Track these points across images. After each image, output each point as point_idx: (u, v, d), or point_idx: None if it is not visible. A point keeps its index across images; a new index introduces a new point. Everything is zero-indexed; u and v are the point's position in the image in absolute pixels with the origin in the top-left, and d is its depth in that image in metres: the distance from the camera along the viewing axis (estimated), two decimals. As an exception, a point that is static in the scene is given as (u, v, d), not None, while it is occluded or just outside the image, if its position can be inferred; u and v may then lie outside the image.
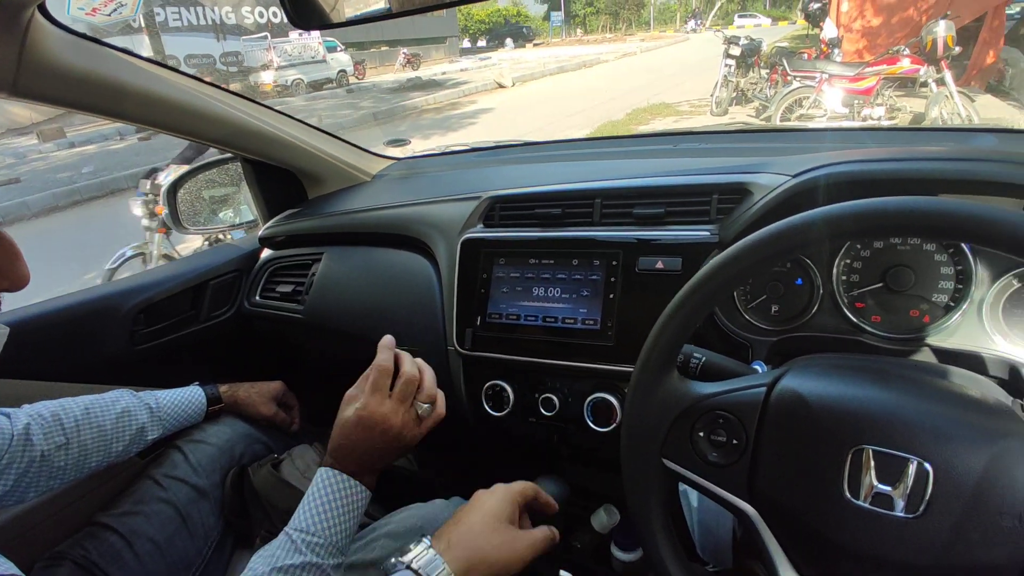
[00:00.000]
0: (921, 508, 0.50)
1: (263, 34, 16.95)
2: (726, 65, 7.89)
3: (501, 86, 14.54)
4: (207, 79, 1.22)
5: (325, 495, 0.72)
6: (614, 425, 0.94)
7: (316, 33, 17.35)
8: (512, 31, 35.99)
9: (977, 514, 0.49)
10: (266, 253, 1.49)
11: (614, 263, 0.96)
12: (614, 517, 1.15)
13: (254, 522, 1.05)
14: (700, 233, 0.92)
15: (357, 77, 18.86)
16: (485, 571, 0.68)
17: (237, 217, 1.70)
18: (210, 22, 17.72)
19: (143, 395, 1.03)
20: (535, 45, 33.76)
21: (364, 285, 1.27)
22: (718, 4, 39.18)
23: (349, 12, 0.82)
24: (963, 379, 0.61)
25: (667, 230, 0.95)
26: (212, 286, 1.39)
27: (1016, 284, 0.80)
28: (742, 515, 0.61)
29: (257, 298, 1.44)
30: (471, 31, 38.63)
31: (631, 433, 0.66)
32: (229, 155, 1.48)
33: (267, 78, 15.30)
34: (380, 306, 1.23)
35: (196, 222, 1.59)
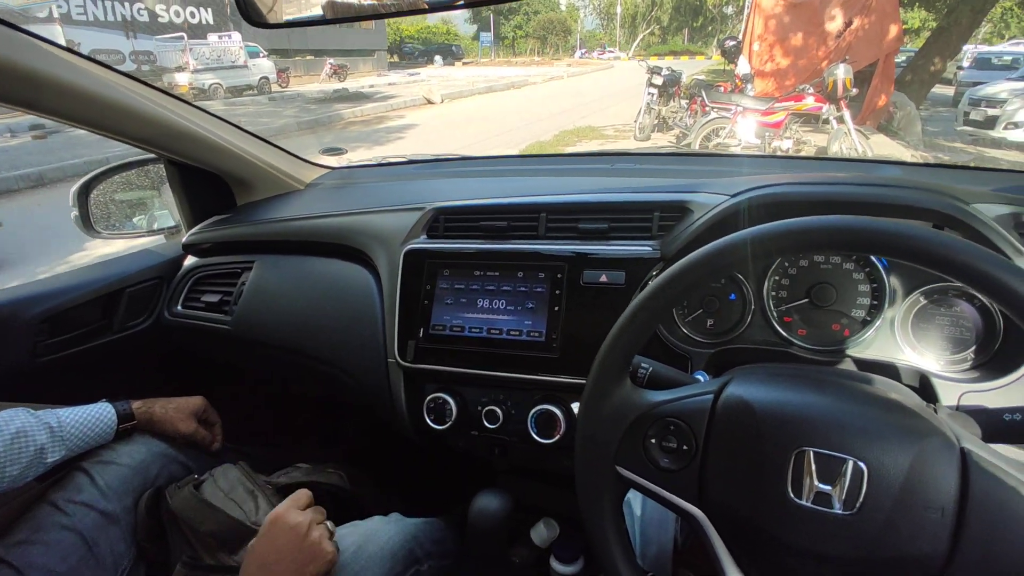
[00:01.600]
0: (857, 505, 0.53)
1: (179, 34, 16.16)
2: (649, 93, 8.26)
3: (430, 102, 14.52)
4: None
5: None
6: (557, 437, 0.95)
7: (237, 37, 16.74)
8: (442, 48, 36.17)
9: (906, 508, 0.52)
10: (190, 261, 1.41)
11: (559, 276, 0.97)
12: (554, 530, 1.15)
13: (172, 547, 0.99)
14: (643, 248, 0.95)
15: (280, 85, 18.30)
16: None
17: (156, 223, 1.60)
18: (119, 18, 16.73)
19: (43, 413, 0.94)
20: (464, 64, 34.05)
21: (299, 295, 1.22)
22: (640, 36, 41.07)
23: (296, 12, 0.80)
24: (886, 386, 0.66)
25: (611, 245, 0.98)
26: (128, 294, 1.30)
27: (923, 301, 0.88)
28: (692, 519, 0.62)
29: (179, 308, 1.35)
30: (400, 46, 38.49)
31: (585, 442, 0.67)
32: (151, 156, 1.39)
33: (182, 80, 14.55)
34: (316, 317, 1.18)
35: (109, 226, 1.48)
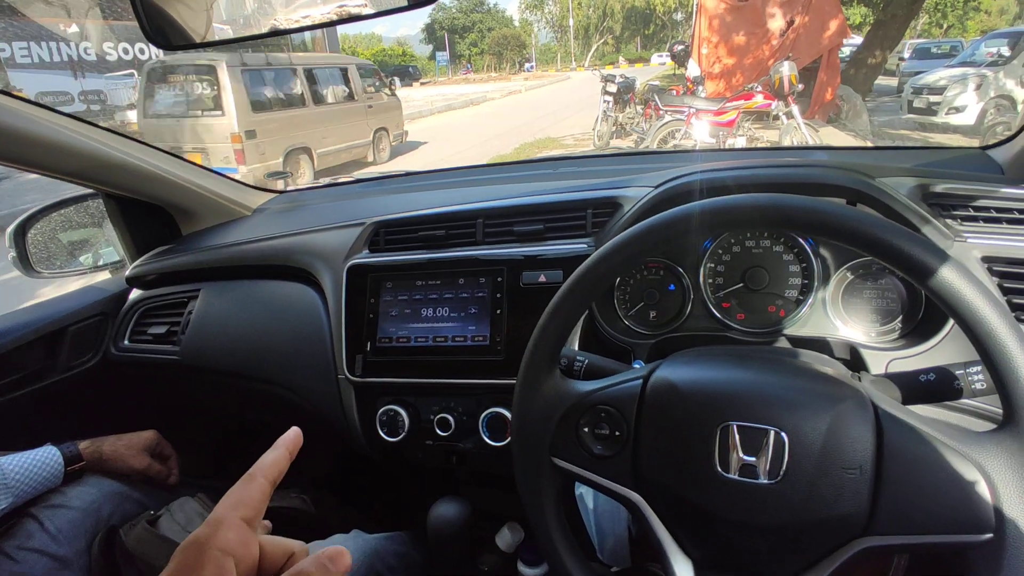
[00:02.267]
0: (781, 473, 0.55)
1: (128, 71, 15.89)
2: (604, 101, 8.41)
3: (389, 124, 14.49)
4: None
5: None
6: (509, 438, 0.96)
7: (189, 71, 16.51)
8: (399, 70, 36.26)
9: (826, 471, 0.54)
10: (135, 294, 1.39)
11: (499, 279, 0.99)
12: (518, 535, 1.16)
13: (129, 587, 0.96)
14: (578, 246, 0.97)
15: (238, 116, 18.11)
16: None
17: (101, 259, 1.57)
18: (66, 58, 16.40)
19: None
20: (422, 84, 34.16)
21: (246, 320, 1.22)
22: (594, 46, 41.77)
23: (216, 32, 0.80)
24: (809, 358, 0.68)
25: (547, 245, 1.00)
26: (71, 332, 1.27)
27: (850, 276, 0.92)
28: (630, 504, 0.64)
29: (126, 342, 1.33)
30: (357, 70, 38.47)
31: (520, 435, 0.68)
32: (88, 191, 1.37)
33: (134, 117, 14.32)
34: (264, 340, 1.18)
35: (51, 265, 1.45)
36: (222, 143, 6.88)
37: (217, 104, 6.81)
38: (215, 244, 1.34)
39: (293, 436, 0.53)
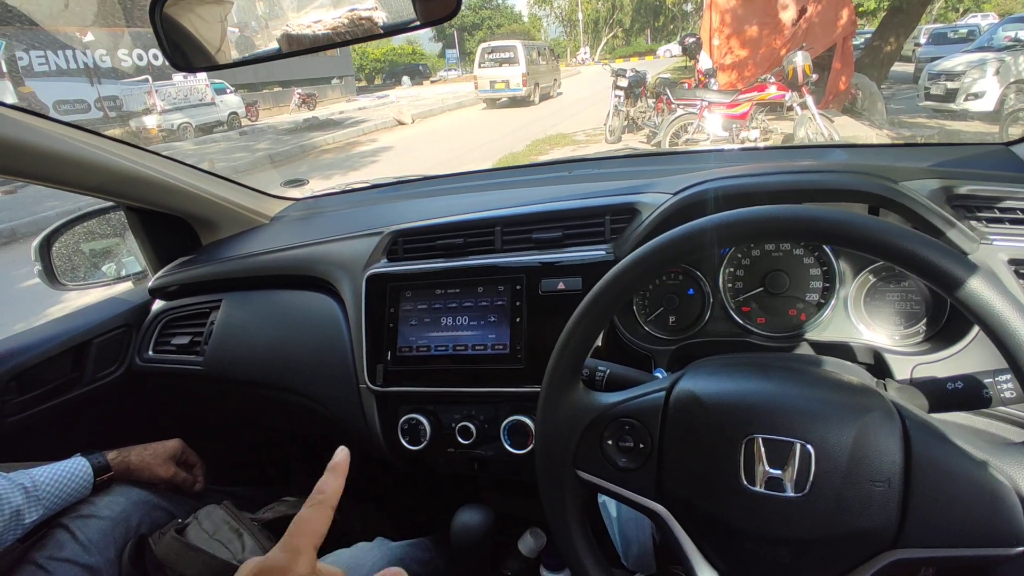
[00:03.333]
0: (808, 486, 0.55)
1: (143, 77, 16.04)
2: (616, 96, 8.35)
3: (401, 123, 14.55)
4: (81, 125, 1.15)
5: None
6: (531, 447, 0.96)
7: (203, 75, 16.69)
8: (409, 69, 36.31)
9: (854, 484, 0.54)
10: (158, 305, 1.40)
11: (518, 287, 0.99)
12: (541, 540, 1.16)
13: (159, 596, 0.97)
14: (597, 253, 0.97)
15: (250, 119, 18.23)
16: None
17: (123, 269, 1.59)
18: (82, 65, 16.63)
19: (15, 475, 0.94)
20: (432, 82, 34.19)
21: (268, 329, 1.23)
22: (604, 40, 41.52)
23: (235, 54, 0.81)
24: (833, 366, 0.67)
25: (566, 252, 0.99)
26: (96, 344, 1.29)
27: (872, 279, 0.91)
28: (655, 516, 0.63)
29: (150, 353, 1.35)
30: (367, 70, 38.58)
31: (544, 448, 0.68)
32: (110, 204, 1.39)
33: (150, 123, 14.45)
34: (285, 349, 1.19)
35: (75, 277, 1.48)
36: (516, 79, 15.48)
37: (515, 61, 15.58)
38: (235, 254, 1.35)
39: (344, 457, 0.55)
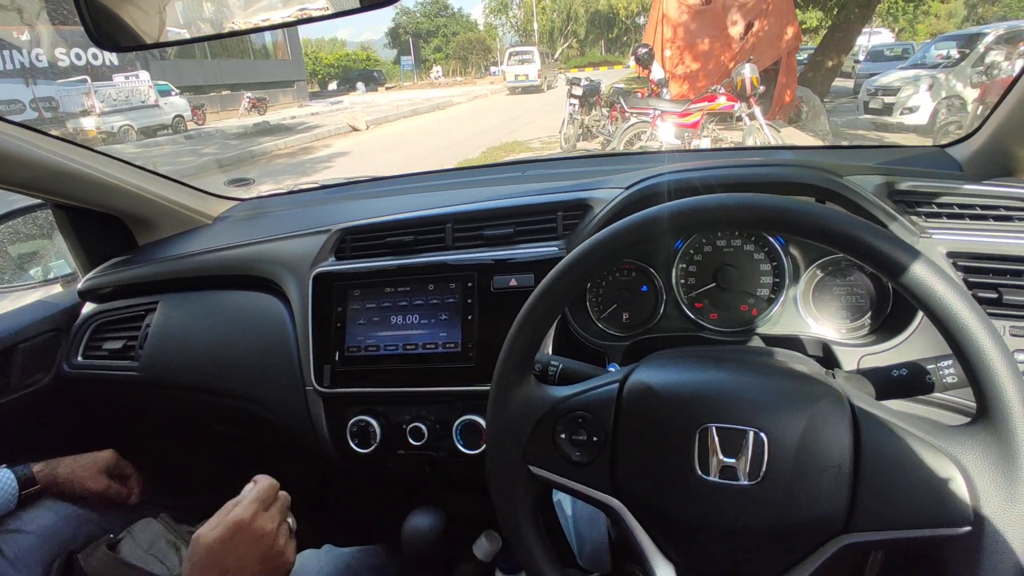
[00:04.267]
0: (761, 474, 0.55)
1: (82, 77, 15.39)
2: (571, 104, 8.45)
3: (355, 129, 14.36)
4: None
5: None
6: (484, 446, 0.94)
7: (146, 76, 16.11)
8: (363, 75, 35.94)
9: (805, 470, 0.54)
10: (88, 308, 1.33)
11: (469, 285, 0.97)
12: (496, 543, 1.14)
13: (89, 615, 0.92)
14: (549, 249, 0.97)
15: (197, 122, 17.67)
16: None
17: (52, 272, 1.51)
18: (17, 65, 15.85)
19: None
20: (387, 88, 33.92)
21: (208, 332, 1.18)
22: (559, 50, 42.09)
23: (163, 32, 0.77)
24: (784, 356, 0.68)
25: (518, 249, 0.98)
26: (22, 349, 1.21)
27: (820, 274, 0.93)
28: (609, 510, 0.63)
29: (80, 359, 1.27)
30: (320, 75, 38.03)
31: (495, 444, 0.67)
32: (37, 202, 1.31)
33: (88, 124, 13.82)
34: (228, 352, 1.14)
35: (-1, 280, 1.39)
36: (533, 74, 21.70)
37: (532, 61, 21.63)
38: (174, 254, 1.29)
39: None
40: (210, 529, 0.69)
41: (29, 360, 1.24)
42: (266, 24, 0.73)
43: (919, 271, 0.52)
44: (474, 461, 0.95)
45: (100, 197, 1.25)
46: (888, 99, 8.60)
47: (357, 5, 0.69)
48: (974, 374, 0.51)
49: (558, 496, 0.94)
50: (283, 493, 0.78)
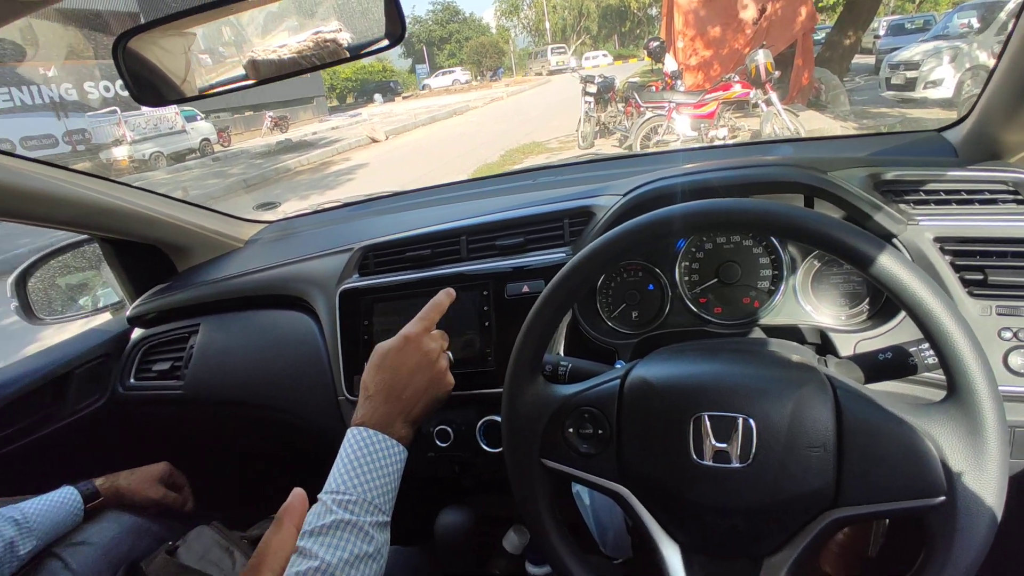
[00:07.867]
0: (751, 456, 0.60)
1: (111, 108, 15.89)
2: (585, 102, 8.46)
3: (375, 140, 14.55)
4: (50, 160, 1.17)
5: (353, 452, 0.73)
6: None
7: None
8: (381, 86, 36.35)
9: (793, 451, 0.59)
10: (137, 333, 1.43)
11: (485, 293, 1.03)
12: (525, 536, 1.19)
13: (154, 620, 0.99)
14: (557, 255, 1.02)
15: (223, 144, 18.10)
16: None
17: (100, 301, 1.61)
18: (48, 100, 16.44)
19: (4, 509, 0.95)
20: (404, 98, 34.26)
21: (246, 350, 1.26)
22: (572, 47, 41.97)
23: (202, 84, 0.84)
24: (776, 346, 0.72)
25: (528, 256, 1.04)
26: (77, 375, 1.31)
27: (817, 264, 0.97)
28: (618, 497, 0.68)
29: (132, 380, 1.37)
30: (338, 90, 38.57)
31: (510, 441, 0.72)
32: (83, 237, 1.41)
33: (120, 154, 14.30)
34: (265, 368, 1.22)
35: (52, 311, 1.49)
36: (569, 60, 36.99)
37: (565, 52, 40.08)
38: (211, 279, 1.38)
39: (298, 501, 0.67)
40: (386, 340, 0.83)
41: (84, 384, 1.34)
42: (294, 69, 0.79)
43: (887, 263, 0.56)
44: (498, 459, 1.00)
45: (141, 229, 1.35)
46: (910, 74, 8.37)
47: (385, 41, 0.74)
48: (942, 356, 0.55)
49: (577, 488, 0.99)
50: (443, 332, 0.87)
